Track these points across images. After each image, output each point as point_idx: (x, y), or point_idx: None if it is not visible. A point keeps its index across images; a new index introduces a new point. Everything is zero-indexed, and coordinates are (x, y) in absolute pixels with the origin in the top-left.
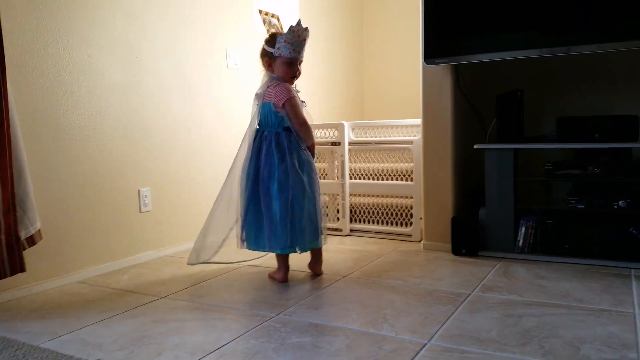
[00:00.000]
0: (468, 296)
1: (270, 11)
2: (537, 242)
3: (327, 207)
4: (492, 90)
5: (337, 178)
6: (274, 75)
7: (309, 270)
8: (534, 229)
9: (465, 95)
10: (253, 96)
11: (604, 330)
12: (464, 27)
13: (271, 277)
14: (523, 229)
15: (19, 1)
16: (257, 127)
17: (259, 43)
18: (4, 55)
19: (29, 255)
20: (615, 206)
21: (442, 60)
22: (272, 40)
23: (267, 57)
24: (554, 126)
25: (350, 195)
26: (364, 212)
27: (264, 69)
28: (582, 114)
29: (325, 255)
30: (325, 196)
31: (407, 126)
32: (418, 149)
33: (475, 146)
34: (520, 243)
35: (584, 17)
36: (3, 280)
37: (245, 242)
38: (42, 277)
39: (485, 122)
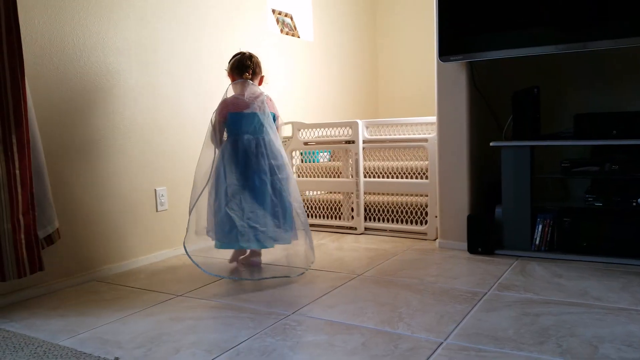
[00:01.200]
0: (484, 295)
1: (284, 10)
2: (554, 240)
3: (341, 205)
4: (507, 87)
5: (351, 176)
6: (259, 87)
7: (324, 269)
8: (550, 226)
9: (481, 92)
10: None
11: (623, 329)
12: (479, 24)
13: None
14: (540, 226)
15: (36, 5)
16: (251, 132)
17: (273, 42)
18: (22, 57)
19: (48, 254)
20: (634, 203)
21: (457, 57)
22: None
23: (262, 73)
24: (571, 123)
25: (365, 193)
26: (379, 211)
27: (249, 75)
28: (599, 110)
29: (340, 253)
30: (339, 194)
31: (421, 124)
32: (433, 147)
33: (491, 144)
34: (537, 241)
35: (601, 12)
36: (23, 278)
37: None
38: (60, 275)
39: (501, 119)
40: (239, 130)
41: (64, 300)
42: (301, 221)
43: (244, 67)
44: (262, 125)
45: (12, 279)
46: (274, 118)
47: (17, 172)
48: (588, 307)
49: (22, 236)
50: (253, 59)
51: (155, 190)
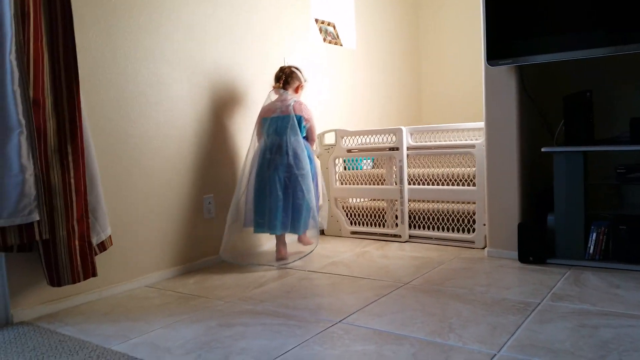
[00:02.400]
0: (538, 305)
1: (327, 20)
2: (609, 249)
3: (384, 212)
4: (559, 90)
5: (396, 184)
6: (294, 95)
7: (370, 277)
8: (605, 235)
9: (531, 97)
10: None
11: None
12: (528, 27)
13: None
14: (594, 235)
15: (89, 19)
16: (275, 133)
17: (315, 51)
18: (77, 69)
19: (100, 260)
20: None
21: (506, 62)
22: (301, 71)
23: (300, 82)
24: (627, 127)
25: (409, 201)
26: (424, 218)
27: (280, 85)
28: None
29: (385, 261)
30: (383, 202)
31: (468, 130)
32: (480, 153)
33: (542, 149)
34: (591, 250)
35: None
36: (77, 284)
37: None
38: (112, 281)
39: (552, 124)
40: (267, 132)
41: (116, 305)
42: (310, 216)
43: (277, 77)
44: (285, 127)
45: (67, 284)
46: (300, 120)
47: (72, 180)
48: None
49: (77, 242)
50: (285, 71)
51: (203, 197)
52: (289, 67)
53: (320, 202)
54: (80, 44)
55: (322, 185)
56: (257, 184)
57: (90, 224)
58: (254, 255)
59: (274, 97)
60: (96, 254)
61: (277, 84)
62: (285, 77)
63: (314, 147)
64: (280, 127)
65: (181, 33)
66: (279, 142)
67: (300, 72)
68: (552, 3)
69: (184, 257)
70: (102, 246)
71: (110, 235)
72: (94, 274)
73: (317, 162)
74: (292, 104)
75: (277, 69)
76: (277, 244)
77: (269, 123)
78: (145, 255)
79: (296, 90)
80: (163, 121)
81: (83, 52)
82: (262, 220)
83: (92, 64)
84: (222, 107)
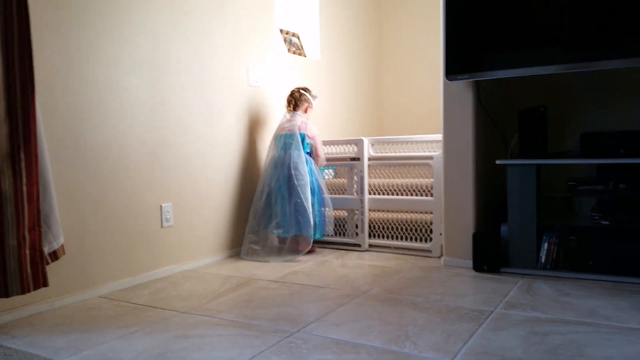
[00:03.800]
0: (491, 313)
1: (291, 30)
2: (560, 258)
3: (345, 221)
4: (515, 105)
5: (356, 193)
6: (303, 115)
7: (329, 286)
8: (556, 245)
9: (487, 111)
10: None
11: (634, 349)
12: (486, 43)
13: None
14: (546, 245)
15: (48, 23)
16: (282, 148)
17: (279, 61)
18: (33, 73)
19: (52, 269)
20: None
21: (463, 77)
22: (309, 92)
23: (309, 104)
24: (578, 141)
25: (370, 210)
26: (383, 228)
27: (291, 108)
28: (608, 128)
29: (345, 270)
30: (343, 211)
31: (427, 142)
32: (438, 165)
33: (497, 162)
34: (543, 259)
35: (608, 33)
36: (26, 294)
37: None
38: (64, 291)
39: (507, 138)
40: (277, 147)
41: (68, 316)
42: (306, 222)
43: (288, 101)
44: (290, 143)
45: (16, 294)
46: (303, 138)
47: (25, 188)
48: (597, 326)
49: (27, 252)
50: (294, 95)
51: (161, 206)
52: (298, 90)
53: (327, 210)
54: (37, 47)
55: (327, 196)
56: (266, 191)
57: (43, 233)
58: (268, 253)
59: (289, 116)
60: (48, 264)
61: (289, 107)
62: (295, 101)
63: (321, 160)
64: (287, 143)
65: (143, 40)
66: (284, 156)
67: (308, 93)
68: (509, 22)
69: (140, 267)
70: (54, 255)
71: (62, 244)
72: (45, 284)
73: (320, 177)
74: (298, 123)
75: (240, 76)
76: (289, 242)
77: (278, 139)
78: (99, 264)
79: (305, 111)
80: (122, 128)
81: (40, 56)
82: (271, 223)
83: (50, 68)
84: (183, 114)
